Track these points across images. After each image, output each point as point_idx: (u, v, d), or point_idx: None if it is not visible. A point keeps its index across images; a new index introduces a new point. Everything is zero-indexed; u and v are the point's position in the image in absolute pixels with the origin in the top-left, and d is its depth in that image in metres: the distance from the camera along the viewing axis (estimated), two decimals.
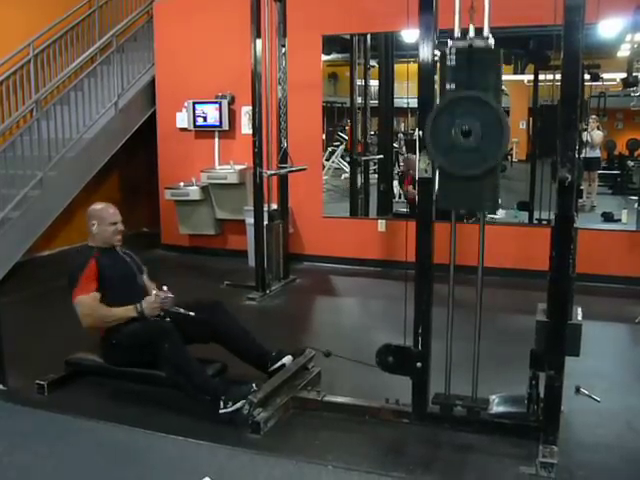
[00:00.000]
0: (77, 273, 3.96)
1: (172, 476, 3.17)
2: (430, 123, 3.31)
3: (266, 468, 3.22)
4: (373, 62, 8.95)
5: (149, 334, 3.82)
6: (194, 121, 8.13)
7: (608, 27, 6.55)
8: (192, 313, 4.01)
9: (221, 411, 3.60)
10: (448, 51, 3.27)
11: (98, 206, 4.23)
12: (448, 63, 3.28)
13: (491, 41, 3.28)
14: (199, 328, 3.99)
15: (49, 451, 3.40)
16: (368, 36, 8.46)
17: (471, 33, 3.30)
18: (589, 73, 8.17)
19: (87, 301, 3.92)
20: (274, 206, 6.78)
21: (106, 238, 4.13)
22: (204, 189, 7.98)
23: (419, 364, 3.54)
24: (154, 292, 4.00)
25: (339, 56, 9.63)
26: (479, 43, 3.28)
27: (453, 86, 3.29)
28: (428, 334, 3.52)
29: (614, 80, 9.94)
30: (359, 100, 8.69)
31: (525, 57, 10.63)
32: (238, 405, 3.58)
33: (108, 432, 3.59)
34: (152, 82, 8.51)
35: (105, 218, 4.13)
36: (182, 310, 4.02)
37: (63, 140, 7.36)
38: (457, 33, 3.35)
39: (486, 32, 3.30)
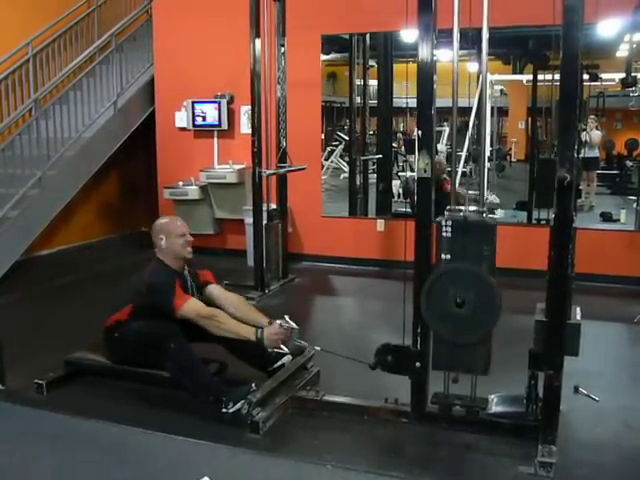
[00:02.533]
0: (168, 284, 3.86)
1: (171, 476, 3.17)
2: (426, 291, 3.40)
3: (265, 468, 3.22)
4: (372, 62, 8.95)
5: (155, 333, 3.80)
6: (193, 120, 8.14)
7: (607, 27, 6.55)
8: (318, 348, 3.98)
9: (224, 410, 3.60)
10: (444, 223, 3.37)
11: (163, 220, 4.17)
12: (443, 234, 3.37)
13: (485, 216, 3.39)
14: (200, 328, 3.98)
15: (48, 451, 3.40)
16: (367, 36, 8.45)
17: (467, 208, 3.41)
18: (588, 73, 8.18)
19: (196, 304, 3.85)
20: (273, 206, 6.78)
21: (176, 251, 4.04)
22: (203, 188, 7.98)
23: (418, 363, 3.55)
24: (278, 322, 3.82)
25: (338, 56, 9.61)
26: (474, 217, 3.37)
27: (448, 256, 3.38)
28: (427, 333, 3.52)
29: (613, 80, 9.94)
30: (358, 100, 8.70)
31: (524, 57, 10.62)
32: (238, 405, 3.58)
33: (107, 432, 3.59)
34: (151, 81, 8.51)
35: (172, 231, 4.04)
36: (305, 343, 3.94)
37: (62, 139, 7.36)
38: (456, 34, 3.36)
39: (485, 33, 3.30)
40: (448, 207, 3.45)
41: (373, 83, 9.05)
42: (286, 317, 3.86)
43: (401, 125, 12.91)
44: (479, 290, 3.31)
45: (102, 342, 4.10)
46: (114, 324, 4.00)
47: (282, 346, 3.83)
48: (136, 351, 3.90)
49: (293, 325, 3.83)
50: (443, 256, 3.39)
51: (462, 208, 3.42)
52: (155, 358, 3.80)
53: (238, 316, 3.92)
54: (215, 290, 4.19)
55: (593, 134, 10.23)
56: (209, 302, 4.04)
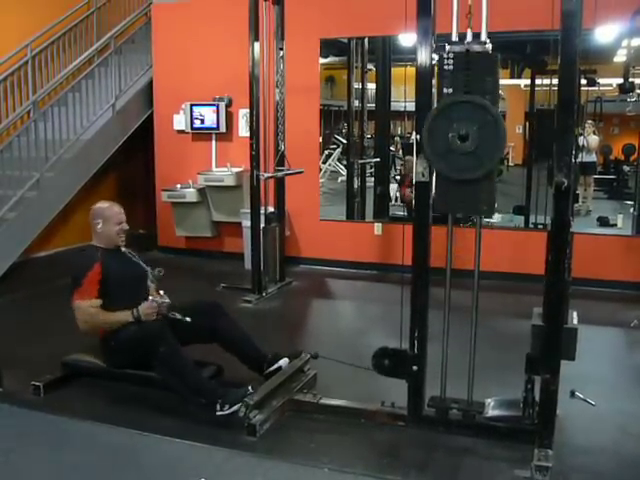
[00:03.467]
0: (80, 275, 3.94)
1: (168, 478, 3.18)
2: (427, 127, 3.32)
3: (262, 470, 3.23)
4: (370, 65, 8.97)
5: (144, 337, 3.80)
6: (191, 123, 8.14)
7: (605, 33, 6.57)
8: (188, 319, 3.97)
9: (218, 413, 3.60)
10: (445, 55, 3.28)
11: (103, 205, 4.20)
12: (445, 67, 3.29)
13: (488, 46, 3.29)
14: (198, 330, 3.99)
15: (44, 452, 3.40)
16: (366, 40, 8.48)
17: (469, 38, 3.32)
18: (585, 78, 8.20)
19: (85, 307, 3.91)
20: (271, 209, 6.78)
21: (111, 238, 4.11)
22: (201, 191, 7.98)
23: (415, 367, 3.55)
24: (150, 297, 3.97)
25: (336, 59, 9.63)
26: (476, 47, 3.29)
27: (450, 90, 3.30)
28: (424, 337, 3.53)
29: (610, 85, 9.97)
30: (356, 103, 8.71)
31: (522, 62, 10.66)
32: (234, 408, 3.58)
33: (104, 434, 3.59)
34: (150, 84, 8.51)
35: (110, 217, 4.11)
36: (179, 316, 3.98)
37: (60, 141, 7.37)
38: (455, 37, 3.37)
39: (484, 37, 3.31)
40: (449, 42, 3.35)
41: (371, 87, 9.07)
42: (161, 292, 4.04)
43: (399, 129, 12.94)
44: (483, 122, 3.22)
45: (100, 350, 4.11)
46: (107, 333, 3.99)
47: (159, 318, 3.94)
48: (132, 357, 3.90)
49: (165, 299, 3.97)
50: (445, 90, 3.31)
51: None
52: (149, 361, 3.81)
53: None
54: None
55: (590, 139, 10.26)
56: None
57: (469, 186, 3.32)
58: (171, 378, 3.75)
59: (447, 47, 3.31)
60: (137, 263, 4.24)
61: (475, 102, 3.24)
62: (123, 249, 4.20)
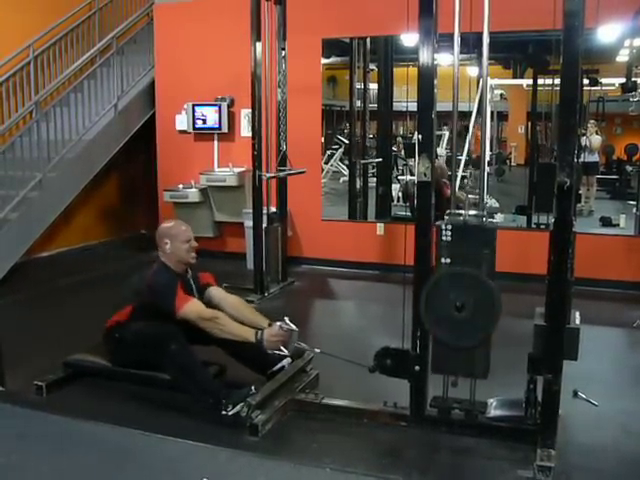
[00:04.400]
0: (169, 286, 3.86)
1: (170, 478, 3.17)
2: (425, 296, 3.41)
3: (264, 470, 3.22)
4: (372, 66, 8.97)
5: (155, 334, 3.80)
6: (193, 123, 8.14)
7: (607, 32, 6.57)
8: (318, 350, 3.93)
9: (223, 413, 3.60)
10: (443, 227, 3.38)
11: (169, 224, 4.17)
12: (443, 238, 3.38)
13: (485, 220, 3.39)
14: (200, 331, 3.97)
15: (47, 452, 3.39)
16: (368, 40, 8.48)
17: (467, 215, 3.41)
18: (588, 78, 8.19)
19: (197, 306, 3.85)
20: (273, 209, 6.79)
21: (181, 256, 4.03)
22: (203, 191, 7.99)
23: (417, 367, 3.55)
24: (278, 324, 3.80)
25: (339, 59, 9.64)
26: (474, 221, 3.38)
27: (448, 260, 3.39)
28: (426, 337, 3.53)
29: (613, 85, 9.96)
30: (358, 104, 8.71)
31: (524, 61, 10.65)
32: (237, 408, 3.58)
33: (106, 433, 3.58)
34: (152, 84, 8.52)
35: (177, 235, 4.04)
36: (305, 346, 3.91)
37: (63, 141, 7.37)
38: (457, 37, 3.37)
39: (485, 37, 3.31)
40: (448, 211, 3.45)
41: (373, 87, 9.07)
42: (286, 319, 3.83)
43: (401, 129, 12.94)
44: (479, 294, 3.31)
45: (102, 342, 4.10)
46: (114, 325, 4.01)
47: (282, 348, 3.81)
48: (136, 352, 3.90)
49: (293, 327, 3.80)
50: (443, 260, 3.40)
51: (462, 212, 3.42)
52: (155, 359, 3.80)
53: (238, 318, 3.92)
54: (215, 292, 4.18)
55: (593, 139, 10.25)
56: (209, 304, 4.03)
57: (466, 351, 3.42)
58: (180, 377, 3.76)
59: (446, 218, 3.42)
60: (192, 291, 4.10)
61: (471, 275, 3.33)
62: (189, 275, 4.11)
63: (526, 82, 10.59)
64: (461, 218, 3.41)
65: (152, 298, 3.89)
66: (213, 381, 3.84)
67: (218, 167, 8.14)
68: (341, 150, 12.16)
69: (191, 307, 3.83)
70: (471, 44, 3.58)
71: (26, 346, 4.82)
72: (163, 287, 3.89)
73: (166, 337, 3.75)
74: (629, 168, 12.01)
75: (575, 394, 3.96)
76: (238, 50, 6.94)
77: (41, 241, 7.52)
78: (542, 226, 7.21)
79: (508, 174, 12.47)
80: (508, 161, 13.26)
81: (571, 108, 3.11)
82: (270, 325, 3.84)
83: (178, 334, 3.77)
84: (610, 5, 5.39)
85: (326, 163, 11.37)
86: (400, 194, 9.87)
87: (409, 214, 8.21)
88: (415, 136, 3.55)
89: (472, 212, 3.44)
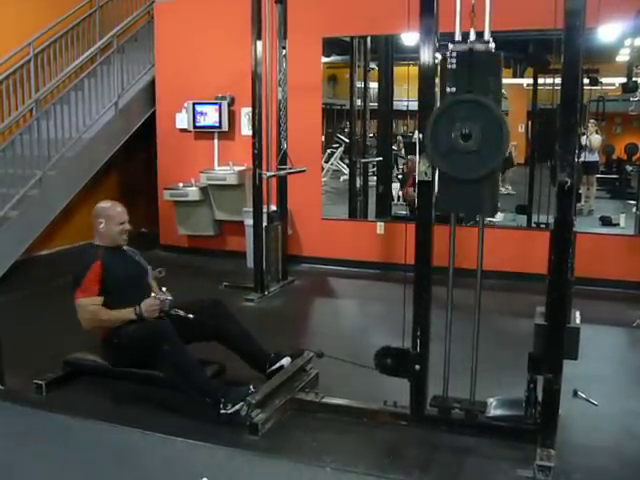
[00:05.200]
0: (81, 273, 3.97)
1: (170, 477, 3.18)
2: (430, 126, 3.31)
3: (264, 469, 3.23)
4: (373, 64, 8.97)
5: (148, 336, 3.81)
6: (194, 122, 8.13)
7: (607, 32, 6.56)
8: (191, 315, 3.99)
9: (221, 412, 3.60)
10: (449, 54, 3.28)
11: (106, 204, 4.22)
12: (448, 66, 3.29)
13: (492, 45, 3.29)
14: (200, 328, 3.99)
15: (47, 451, 3.40)
16: (368, 38, 8.47)
17: (472, 37, 3.31)
18: (588, 77, 8.18)
19: (88, 305, 3.92)
20: (273, 207, 6.79)
21: (113, 237, 4.13)
22: (203, 190, 7.99)
23: (417, 366, 3.55)
24: (153, 294, 3.98)
25: (339, 58, 9.64)
26: (479, 47, 3.29)
27: (453, 89, 3.30)
28: (427, 337, 3.53)
29: (613, 85, 9.96)
30: (359, 102, 8.70)
31: (524, 61, 10.65)
32: (237, 407, 3.58)
33: (106, 432, 3.59)
34: (152, 83, 8.52)
35: (113, 217, 4.13)
36: (181, 312, 4.00)
37: (63, 140, 7.37)
38: (458, 37, 3.37)
39: (487, 36, 3.31)
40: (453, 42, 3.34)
41: (374, 86, 9.06)
42: (163, 289, 4.04)
43: (401, 128, 12.94)
44: (486, 121, 3.22)
45: (101, 348, 4.11)
46: (110, 331, 3.99)
47: (161, 315, 3.95)
48: (133, 355, 3.91)
49: (168, 296, 3.96)
50: (448, 89, 3.31)
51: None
52: (152, 360, 3.81)
53: None
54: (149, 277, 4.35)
55: (593, 138, 10.25)
56: None
57: (472, 186, 3.32)
58: (175, 377, 3.76)
59: (450, 46, 3.31)
60: (138, 262, 4.26)
61: (478, 101, 3.24)
62: (125, 248, 4.21)
63: (526, 81, 10.60)
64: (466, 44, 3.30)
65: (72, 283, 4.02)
66: (209, 380, 3.83)
67: (218, 166, 8.13)
68: (341, 149, 12.15)
69: (85, 302, 3.93)
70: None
71: (26, 345, 4.82)
72: (76, 273, 4.01)
73: (159, 338, 3.75)
74: (629, 167, 12.02)
75: (575, 394, 3.96)
76: (239, 49, 6.95)
77: (41, 239, 7.51)
78: (542, 225, 7.22)
79: (508, 173, 12.47)
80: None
81: (572, 107, 3.10)
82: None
83: (171, 334, 3.78)
84: (611, 4, 5.38)
85: (326, 162, 11.37)
86: (400, 193, 9.88)
87: (409, 213, 8.27)
88: (415, 135, 3.54)
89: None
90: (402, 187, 9.82)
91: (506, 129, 3.22)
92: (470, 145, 3.24)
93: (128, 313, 3.89)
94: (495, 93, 3.26)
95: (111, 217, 4.12)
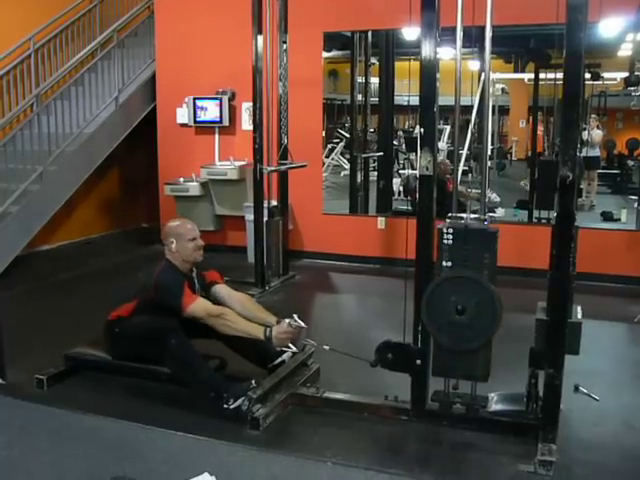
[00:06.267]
0: (174, 287, 3.85)
1: (171, 471, 3.18)
2: (426, 298, 3.41)
3: (265, 464, 3.23)
4: (374, 59, 8.95)
5: (155, 328, 3.80)
6: (194, 117, 8.12)
7: (609, 26, 6.54)
8: (327, 347, 3.90)
9: (225, 406, 3.60)
10: (445, 230, 3.38)
11: (174, 223, 4.14)
12: (444, 242, 3.38)
13: (486, 223, 3.39)
14: (201, 325, 3.97)
15: (48, 445, 3.40)
16: (369, 33, 8.46)
17: (467, 218, 3.41)
18: (590, 72, 8.18)
19: (204, 303, 3.86)
20: (274, 202, 6.78)
21: (187, 255, 4.02)
22: (204, 185, 7.98)
23: (418, 361, 3.55)
24: (287, 321, 3.78)
25: (340, 53, 9.63)
26: (475, 225, 3.38)
27: (449, 264, 3.39)
28: (427, 331, 3.52)
29: (614, 79, 9.95)
30: (359, 97, 8.69)
31: (526, 56, 10.64)
32: (239, 402, 3.58)
33: (107, 427, 3.59)
34: (153, 77, 8.50)
35: (183, 234, 4.02)
36: (312, 342, 3.93)
37: (63, 135, 7.36)
38: (459, 37, 3.36)
39: (488, 32, 3.30)
40: (449, 214, 3.45)
41: (375, 80, 9.05)
42: (295, 316, 3.81)
43: (402, 123, 12.93)
44: (480, 297, 3.32)
45: (103, 336, 4.10)
46: (115, 319, 4.01)
47: (291, 345, 3.83)
48: (136, 346, 3.90)
49: (302, 324, 3.79)
50: (444, 263, 3.40)
51: (463, 216, 3.42)
52: (155, 354, 3.79)
53: (245, 315, 3.90)
54: (221, 289, 4.16)
55: (594, 133, 10.25)
56: (215, 301, 4.02)
57: (466, 354, 3.42)
58: (180, 371, 3.76)
59: (447, 222, 3.41)
60: (197, 290, 4.11)
61: (472, 278, 3.33)
62: (194, 274, 4.10)
63: (528, 76, 10.58)
64: (462, 222, 3.40)
65: (159, 296, 3.88)
66: (214, 375, 3.83)
67: (219, 160, 8.13)
68: (342, 144, 12.16)
69: (198, 305, 3.82)
70: (473, 38, 3.58)
71: (27, 339, 4.82)
72: (170, 286, 3.87)
73: (166, 331, 3.74)
74: (630, 163, 12.02)
75: (576, 389, 3.97)
76: (239, 43, 6.93)
77: (42, 234, 7.51)
78: (543, 220, 7.22)
79: (509, 168, 12.48)
80: (509, 155, 13.27)
81: (574, 102, 3.10)
82: (279, 322, 3.81)
83: (177, 328, 3.77)
84: None
85: (327, 157, 11.37)
86: (401, 188, 9.88)
87: (410, 208, 8.27)
88: (416, 130, 3.53)
89: (473, 216, 3.43)
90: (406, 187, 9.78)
91: (499, 305, 3.31)
92: (464, 319, 3.34)
93: (256, 330, 3.76)
94: (490, 269, 3.34)
95: (181, 235, 4.01)
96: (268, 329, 3.74)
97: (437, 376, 3.55)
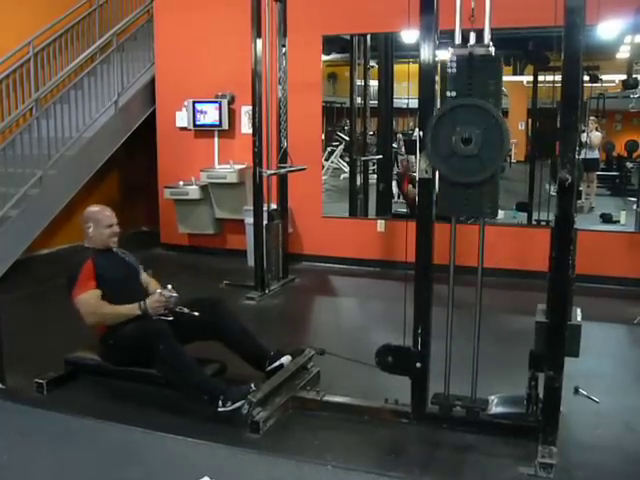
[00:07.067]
0: (75, 273, 3.99)
1: (171, 475, 3.17)
2: (430, 130, 3.32)
3: (265, 468, 3.22)
4: (373, 62, 8.96)
5: (143, 336, 3.82)
6: (194, 120, 8.13)
7: (608, 29, 6.55)
8: (196, 313, 4.00)
9: (220, 409, 3.60)
10: (448, 58, 3.29)
11: (94, 208, 4.25)
12: (448, 70, 3.30)
13: (492, 49, 3.30)
14: (200, 326, 3.99)
15: (48, 450, 3.40)
16: (368, 36, 8.46)
17: (472, 40, 3.31)
18: (588, 74, 8.18)
19: (88, 299, 3.94)
20: (273, 206, 6.78)
21: (102, 240, 4.16)
22: (203, 188, 7.99)
23: (418, 364, 3.55)
24: (158, 291, 4.00)
25: (339, 56, 9.63)
26: (479, 50, 3.29)
27: (454, 93, 3.31)
28: (428, 334, 3.53)
29: (613, 82, 9.96)
30: (359, 100, 8.70)
31: (524, 58, 10.65)
32: (237, 405, 3.58)
33: (107, 431, 3.59)
34: (152, 81, 8.51)
35: (101, 220, 4.16)
36: (186, 310, 4.01)
37: (63, 139, 7.36)
38: (457, 38, 3.36)
39: (487, 34, 3.31)
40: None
41: (374, 83, 9.06)
42: (169, 286, 4.02)
43: (401, 126, 12.93)
44: (486, 125, 3.23)
45: (99, 352, 4.12)
46: (106, 331, 4.01)
47: (165, 312, 3.98)
48: (130, 354, 3.92)
49: (173, 294, 3.98)
50: (448, 93, 3.32)
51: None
52: (147, 361, 3.82)
53: None
54: (144, 277, 4.41)
55: (593, 135, 10.25)
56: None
57: (472, 188, 3.33)
58: (172, 375, 3.76)
59: (450, 50, 3.32)
60: (129, 263, 4.30)
61: (478, 105, 3.24)
62: (115, 249, 4.24)
63: (526, 79, 10.59)
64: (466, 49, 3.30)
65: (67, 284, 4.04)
66: (207, 378, 3.83)
67: (219, 164, 8.13)
68: (341, 147, 12.16)
69: (85, 297, 3.94)
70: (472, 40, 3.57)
71: (27, 344, 4.82)
72: (70, 275, 4.03)
73: (154, 338, 3.76)
74: (629, 165, 12.02)
75: (576, 391, 3.97)
76: (239, 47, 6.94)
77: (42, 238, 7.51)
78: (543, 223, 7.22)
79: (508, 171, 12.45)
80: (508, 158, 13.26)
81: (573, 105, 3.10)
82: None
83: (165, 333, 3.79)
84: (611, 1, 5.38)
85: (326, 160, 11.37)
86: (399, 191, 9.88)
87: (409, 211, 8.27)
88: (416, 133, 3.54)
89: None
90: (399, 185, 9.81)
91: (506, 133, 3.22)
92: (470, 149, 3.25)
93: (132, 309, 3.92)
94: (495, 96, 3.26)
95: (99, 220, 4.16)
96: (142, 302, 3.91)
97: (444, 214, 3.47)
